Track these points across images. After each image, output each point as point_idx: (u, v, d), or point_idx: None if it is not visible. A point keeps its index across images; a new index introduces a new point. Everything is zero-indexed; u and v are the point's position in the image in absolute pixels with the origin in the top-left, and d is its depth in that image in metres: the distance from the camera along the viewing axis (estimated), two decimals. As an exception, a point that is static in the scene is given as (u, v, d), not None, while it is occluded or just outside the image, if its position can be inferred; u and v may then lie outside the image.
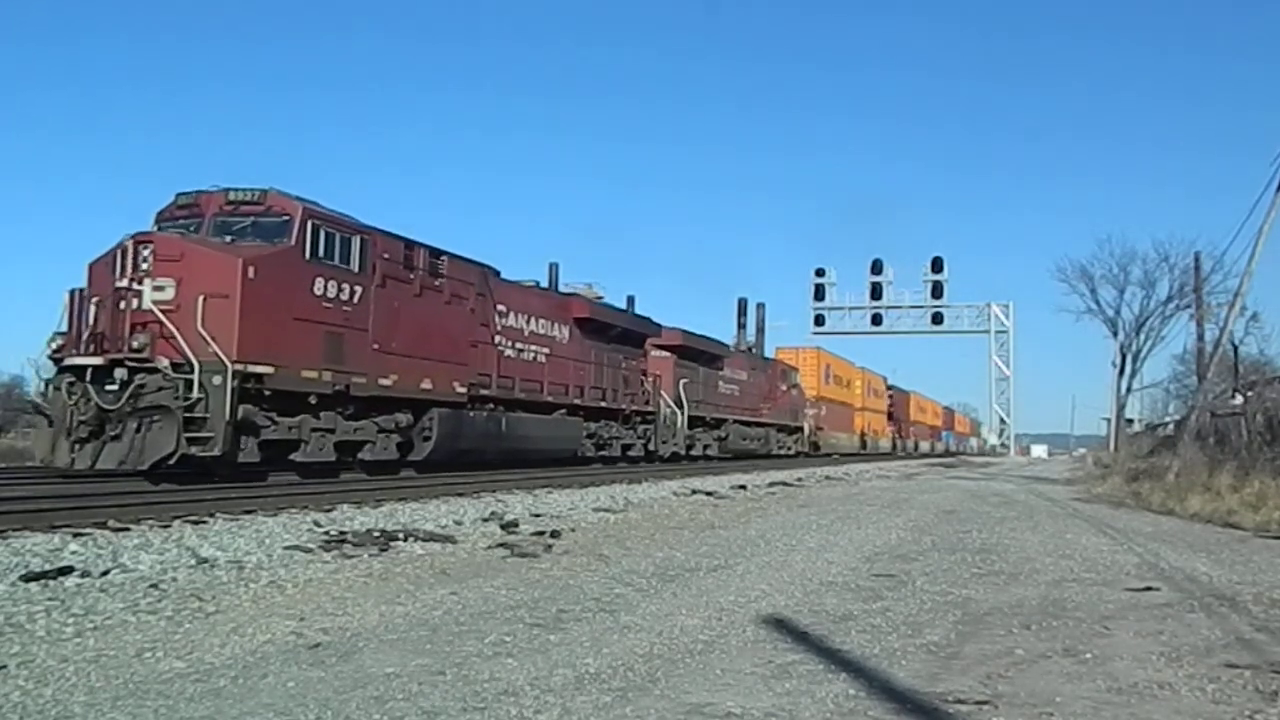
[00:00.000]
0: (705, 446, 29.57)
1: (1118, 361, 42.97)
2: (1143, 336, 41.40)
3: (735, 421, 31.98)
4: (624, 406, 23.51)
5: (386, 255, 14.74)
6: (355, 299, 13.98)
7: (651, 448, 25.15)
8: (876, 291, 66.02)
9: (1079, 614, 5.86)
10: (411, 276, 15.38)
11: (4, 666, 4.05)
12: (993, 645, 4.94)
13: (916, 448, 72.08)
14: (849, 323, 67.44)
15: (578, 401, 21.01)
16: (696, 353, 28.62)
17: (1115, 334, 42.22)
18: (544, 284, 25.77)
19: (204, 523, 9.19)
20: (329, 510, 10.72)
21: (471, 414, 17.08)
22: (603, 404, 22.34)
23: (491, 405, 17.73)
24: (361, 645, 4.61)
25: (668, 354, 26.78)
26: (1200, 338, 30.00)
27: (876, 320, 67.28)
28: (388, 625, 5.08)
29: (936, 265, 65.95)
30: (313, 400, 13.35)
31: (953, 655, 4.70)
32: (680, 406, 26.82)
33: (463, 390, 16.59)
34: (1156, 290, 40.30)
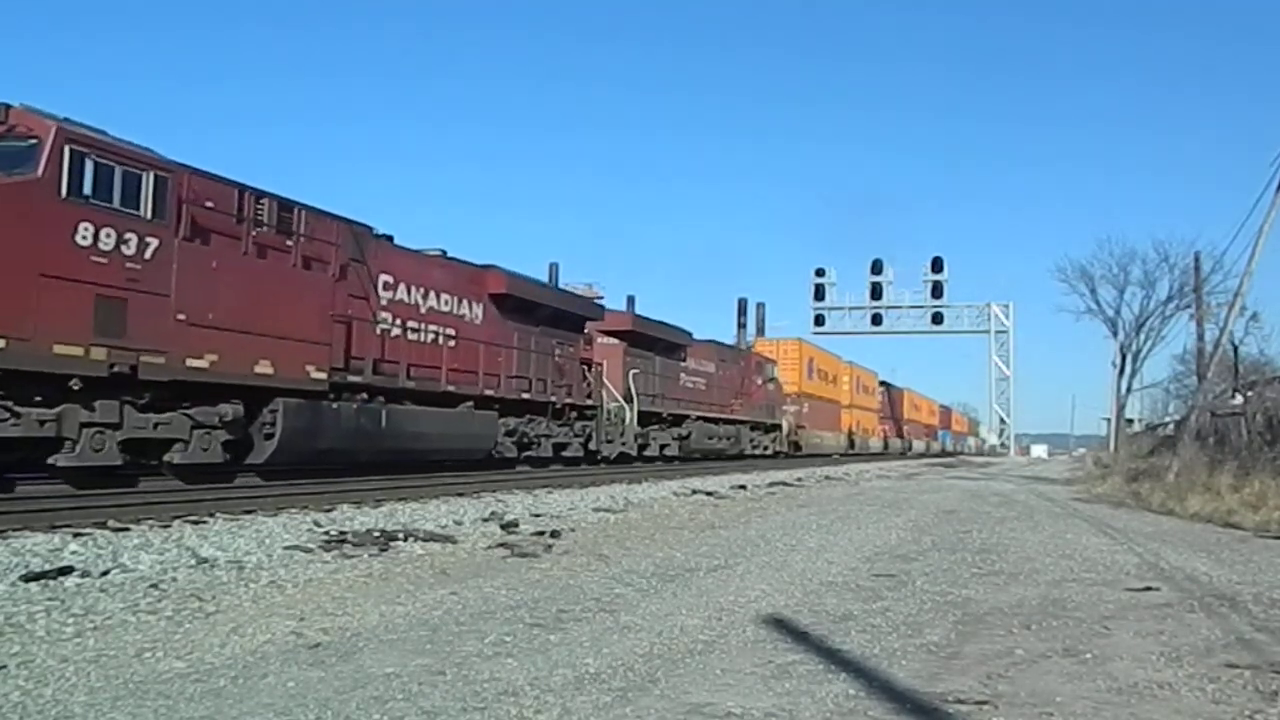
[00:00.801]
0: (663, 446, 26.23)
1: (1118, 361, 42.99)
2: (1143, 336, 41.41)
3: (700, 418, 28.41)
4: (555, 399, 19.85)
5: (208, 202, 11.71)
6: (148, 254, 10.73)
7: (593, 447, 21.68)
8: (876, 291, 66.11)
9: (1079, 614, 5.86)
10: (242, 231, 12.20)
11: (4, 666, 4.05)
12: (993, 645, 4.94)
13: (910, 447, 68.68)
14: (849, 323, 67.57)
15: (491, 393, 17.33)
16: (651, 340, 25.52)
17: (1115, 334, 42.24)
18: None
19: (204, 523, 9.20)
20: (329, 510, 10.74)
21: (336, 406, 13.67)
22: (525, 396, 18.65)
23: (367, 395, 14.43)
24: (361, 645, 4.61)
25: (616, 341, 23.65)
26: (1200, 338, 30.04)
27: (876, 320, 67.37)
28: (388, 625, 5.08)
29: (936, 265, 66.11)
30: (77, 385, 10.10)
31: (953, 655, 4.70)
32: (630, 400, 23.53)
33: (321, 376, 13.21)
34: (1156, 290, 40.30)
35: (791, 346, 43.70)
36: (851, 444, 51.26)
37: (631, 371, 23.94)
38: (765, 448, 36.10)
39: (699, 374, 29.31)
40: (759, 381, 35.22)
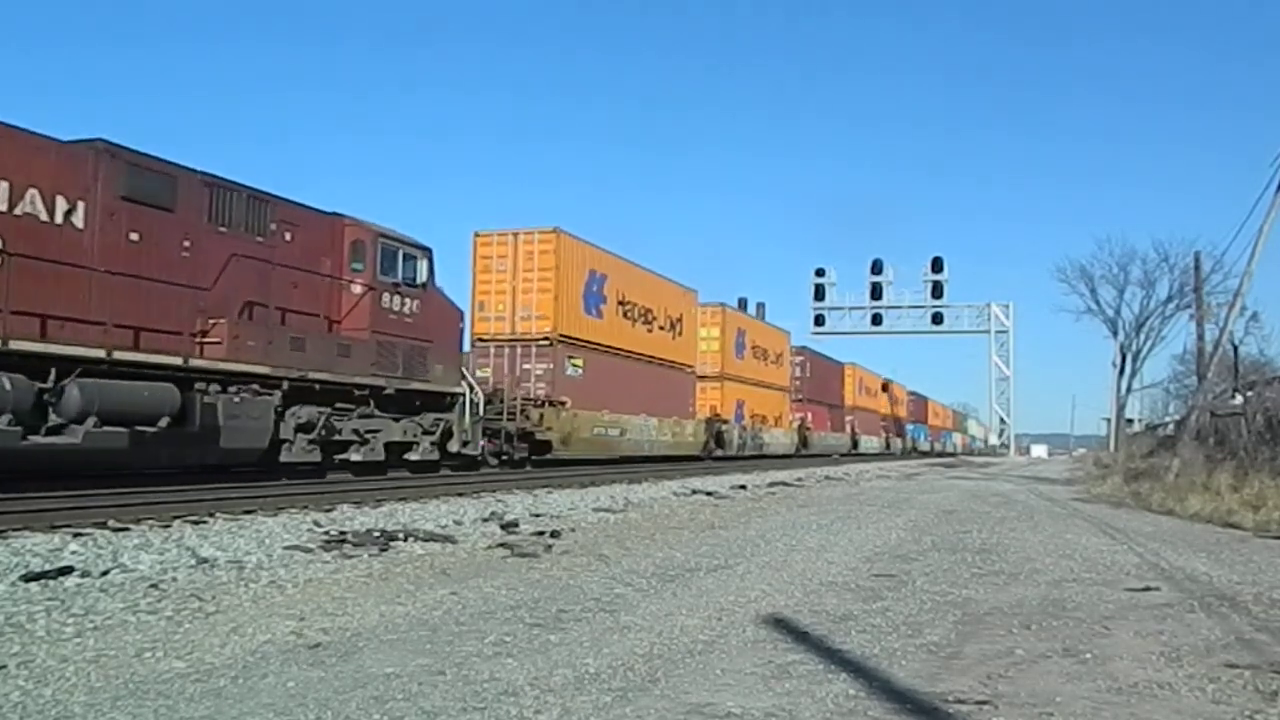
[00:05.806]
0: None
1: (1118, 361, 43.15)
2: (1143, 336, 41.61)
3: None
4: None
5: None
6: None
7: None
8: (876, 291, 66.13)
9: (1079, 614, 5.85)
10: None
11: (4, 666, 4.05)
12: (993, 645, 4.93)
13: (856, 445, 50.14)
14: (849, 323, 67.66)
15: None
16: None
17: (1115, 334, 42.45)
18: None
19: (204, 523, 9.20)
20: (329, 510, 10.74)
21: None
22: None
23: None
24: (361, 645, 4.61)
25: None
26: (1200, 338, 30.01)
27: (876, 320, 67.43)
28: (388, 625, 5.08)
29: (936, 265, 66.19)
30: None
31: (953, 655, 4.70)
32: None
33: None
34: (1156, 290, 40.56)
35: (545, 241, 21.92)
36: (719, 440, 31.71)
37: None
38: (383, 447, 15.56)
39: None
40: (356, 288, 15.11)
